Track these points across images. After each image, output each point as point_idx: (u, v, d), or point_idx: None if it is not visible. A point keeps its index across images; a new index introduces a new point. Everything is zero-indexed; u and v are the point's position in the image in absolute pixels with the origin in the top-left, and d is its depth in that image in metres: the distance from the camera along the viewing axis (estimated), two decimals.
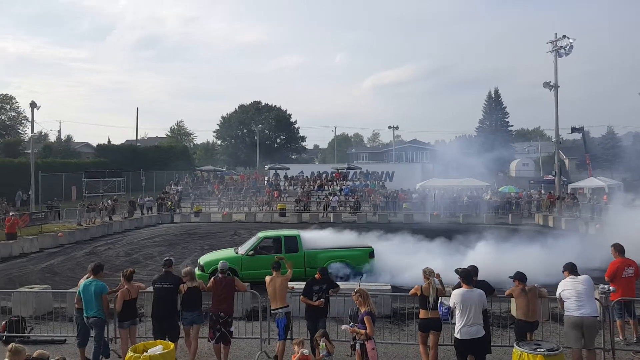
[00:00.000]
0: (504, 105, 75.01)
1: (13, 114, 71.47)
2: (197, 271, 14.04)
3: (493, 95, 75.12)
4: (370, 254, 14.62)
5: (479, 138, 68.96)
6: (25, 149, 52.31)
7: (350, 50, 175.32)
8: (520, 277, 7.92)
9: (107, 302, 8.41)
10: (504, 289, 8.54)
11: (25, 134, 66.43)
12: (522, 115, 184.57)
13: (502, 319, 10.28)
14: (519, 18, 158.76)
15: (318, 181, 45.52)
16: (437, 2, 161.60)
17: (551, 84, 33.83)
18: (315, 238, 15.61)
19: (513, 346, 7.05)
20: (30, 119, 39.71)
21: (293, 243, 14.65)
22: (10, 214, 25.11)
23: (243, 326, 9.82)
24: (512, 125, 76.97)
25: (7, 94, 73.39)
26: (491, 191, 39.88)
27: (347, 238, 16.19)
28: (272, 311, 8.68)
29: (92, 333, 8.47)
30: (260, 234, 15.67)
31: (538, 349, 6.61)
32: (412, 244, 16.05)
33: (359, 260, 14.32)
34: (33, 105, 37.54)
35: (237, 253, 14.99)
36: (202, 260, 15.20)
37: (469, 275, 7.37)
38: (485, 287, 7.85)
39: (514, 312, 9.63)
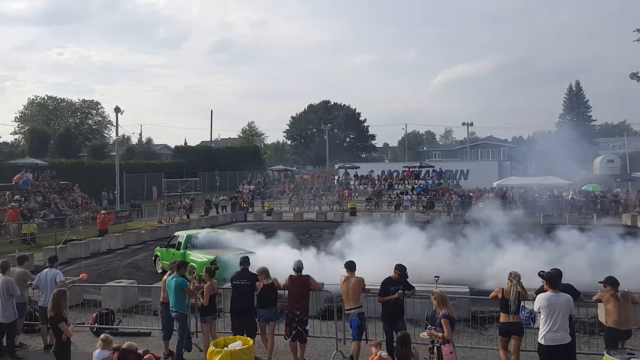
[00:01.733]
0: (586, 99, 70.85)
1: (99, 118, 76.58)
2: None
3: (574, 89, 71.17)
4: (212, 263, 13.59)
5: (559, 134, 65.46)
6: (110, 151, 55.65)
7: (421, 46, 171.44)
8: (612, 282, 7.43)
9: (190, 296, 8.76)
10: (590, 293, 8.07)
11: (110, 137, 71.02)
12: (606, 108, 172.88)
13: (588, 325, 9.71)
14: (602, 6, 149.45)
15: (389, 180, 45.13)
16: None
17: (638, 74, 31.63)
18: (209, 241, 16.27)
19: (601, 354, 6.66)
20: (114, 123, 42.20)
21: (180, 242, 16.36)
22: (102, 212, 26.99)
23: (318, 325, 9.87)
24: (595, 120, 72.60)
25: (92, 100, 78.81)
26: (573, 190, 37.83)
27: (246, 244, 16.13)
28: (345, 311, 8.64)
29: (176, 327, 8.85)
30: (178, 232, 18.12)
31: (632, 359, 6.20)
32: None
33: (200, 270, 13.49)
34: (117, 110, 39.89)
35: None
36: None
37: (555, 279, 7.01)
38: (571, 290, 7.44)
39: (601, 319, 9.11)
